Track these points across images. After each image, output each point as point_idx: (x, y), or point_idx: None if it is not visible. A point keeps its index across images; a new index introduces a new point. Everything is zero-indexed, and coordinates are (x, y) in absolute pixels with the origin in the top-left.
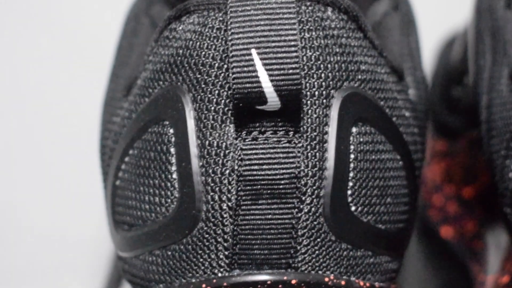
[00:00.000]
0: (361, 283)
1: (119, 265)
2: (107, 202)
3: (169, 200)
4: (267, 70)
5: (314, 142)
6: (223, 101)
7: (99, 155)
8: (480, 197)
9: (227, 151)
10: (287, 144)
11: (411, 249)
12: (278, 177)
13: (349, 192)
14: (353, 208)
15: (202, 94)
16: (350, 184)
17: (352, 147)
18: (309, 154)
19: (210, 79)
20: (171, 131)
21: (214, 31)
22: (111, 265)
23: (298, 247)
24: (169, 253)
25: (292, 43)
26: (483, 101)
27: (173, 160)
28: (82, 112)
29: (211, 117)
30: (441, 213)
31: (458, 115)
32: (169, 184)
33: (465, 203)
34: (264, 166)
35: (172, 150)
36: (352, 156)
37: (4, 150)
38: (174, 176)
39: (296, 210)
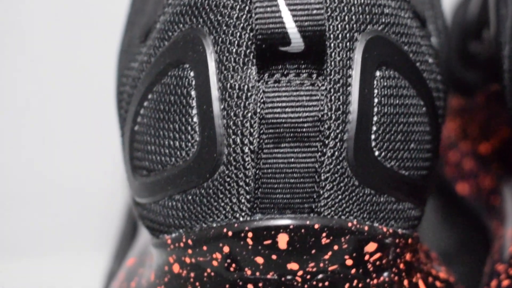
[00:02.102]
0: (384, 229)
1: (134, 216)
2: (124, 149)
3: (189, 144)
4: (290, 10)
5: (338, 85)
6: (244, 43)
7: (115, 102)
8: (496, 152)
9: (249, 94)
10: (310, 87)
11: (427, 205)
12: (301, 120)
13: (372, 136)
14: (376, 153)
15: (223, 36)
16: (374, 128)
17: (375, 91)
18: (333, 97)
19: (231, 21)
20: (192, 74)
21: None
22: (125, 217)
23: (321, 192)
24: (190, 197)
25: None
26: (506, 51)
27: (194, 103)
28: (97, 63)
29: (232, 59)
30: (457, 169)
31: (475, 71)
32: (189, 128)
33: (481, 159)
34: (287, 109)
35: (193, 93)
36: (375, 100)
37: (17, 101)
38: (195, 119)
39: (319, 154)
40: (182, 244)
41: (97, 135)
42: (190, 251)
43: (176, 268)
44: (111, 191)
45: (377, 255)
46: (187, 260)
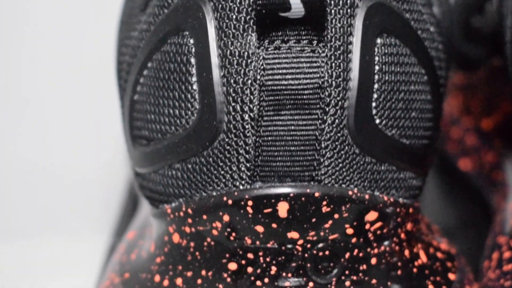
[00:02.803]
0: (385, 198)
1: (135, 192)
2: (124, 118)
3: (189, 112)
4: None
5: (338, 52)
6: (244, 9)
7: (115, 72)
8: (499, 128)
9: (249, 61)
10: (310, 54)
11: (429, 182)
12: (301, 87)
13: (373, 104)
14: (377, 121)
15: (223, 2)
16: (375, 96)
17: (376, 58)
18: (333, 64)
19: None
20: (192, 41)
21: None
22: (126, 194)
23: (322, 160)
24: (189, 166)
25: None
26: (508, 21)
27: (194, 70)
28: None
29: (232, 25)
30: (459, 145)
31: (478, 45)
32: (189, 96)
33: (484, 134)
34: (287, 76)
35: (193, 60)
36: (376, 67)
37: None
38: (195, 87)
39: (319, 121)
40: (182, 214)
41: (96, 116)
42: (190, 220)
43: (176, 238)
44: (111, 172)
45: (378, 224)
46: (187, 229)
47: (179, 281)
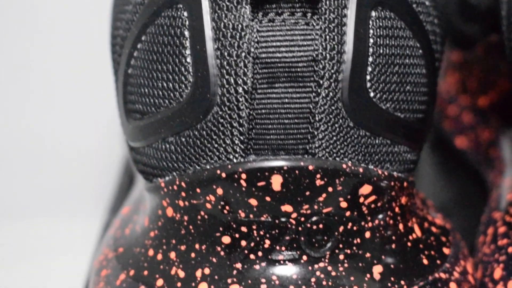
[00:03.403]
0: (379, 171)
1: (130, 170)
2: (118, 93)
3: (183, 85)
4: None
5: (333, 24)
6: None
7: (110, 47)
8: (496, 105)
9: (243, 33)
10: (304, 26)
11: (425, 159)
12: (295, 59)
13: (368, 77)
14: (371, 94)
15: None
16: (369, 69)
17: (371, 31)
18: (328, 36)
19: None
20: (185, 14)
21: None
22: (122, 171)
23: (315, 133)
24: (183, 139)
25: None
26: None
27: (187, 43)
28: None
29: None
30: (456, 123)
31: (475, 23)
32: (183, 69)
33: (480, 112)
34: (281, 48)
35: (186, 33)
36: (371, 40)
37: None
38: (189, 60)
39: (313, 94)
40: (175, 187)
41: (91, 94)
42: (183, 194)
43: (169, 211)
44: (107, 150)
45: (372, 197)
46: (181, 203)
47: (172, 255)
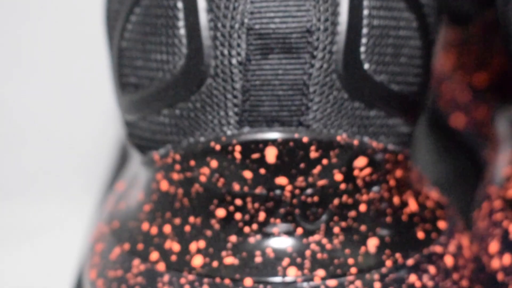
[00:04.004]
0: (374, 144)
1: (126, 148)
2: (112, 67)
3: (176, 57)
4: None
5: None
6: None
7: (104, 20)
8: (491, 83)
9: (236, 4)
10: None
11: (421, 138)
12: (289, 30)
13: (362, 49)
14: (366, 66)
15: None
16: (363, 41)
17: (365, 2)
18: (321, 7)
19: None
20: None
21: None
22: (117, 150)
23: (310, 104)
24: (177, 111)
25: None
26: None
27: (181, 15)
28: None
29: None
30: (451, 102)
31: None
32: (176, 41)
33: (476, 90)
34: (275, 19)
35: (180, 4)
36: (365, 12)
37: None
38: (182, 31)
39: (307, 65)
40: (169, 160)
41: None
42: (177, 166)
43: (164, 185)
44: (101, 133)
45: (367, 170)
46: (175, 176)
47: (167, 228)
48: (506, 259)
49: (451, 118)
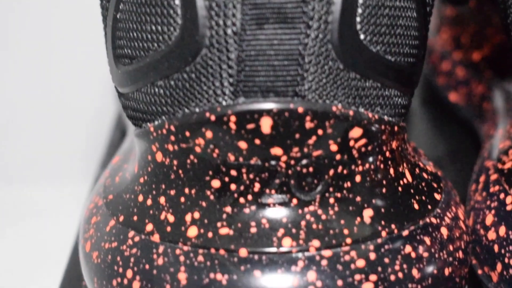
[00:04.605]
0: (370, 115)
1: (123, 125)
2: (107, 39)
3: (171, 28)
4: None
5: None
6: None
7: None
8: (489, 59)
9: None
10: None
11: (419, 115)
12: (284, 0)
13: (357, 19)
14: (362, 37)
15: None
16: (359, 11)
17: None
18: None
19: None
20: None
21: None
22: (114, 127)
23: (305, 75)
24: (172, 82)
25: None
26: None
27: None
28: None
29: None
30: (449, 78)
31: None
32: (171, 11)
33: (474, 66)
34: None
35: None
36: None
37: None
38: (177, 2)
39: (303, 35)
40: (164, 131)
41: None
42: (172, 137)
43: (159, 156)
44: (98, 118)
45: (362, 141)
46: (170, 147)
47: (162, 200)
48: (502, 231)
49: (450, 94)
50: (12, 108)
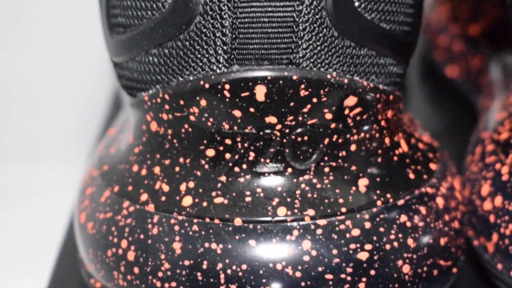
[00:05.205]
0: (365, 83)
1: (119, 99)
2: (101, 8)
3: None
4: None
5: None
6: None
7: None
8: (486, 33)
9: None
10: None
11: (416, 90)
12: None
13: None
14: (356, 4)
15: None
16: None
17: None
18: None
19: None
20: None
21: None
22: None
23: (300, 42)
24: (166, 51)
25: None
26: None
27: None
28: None
29: None
30: (446, 52)
31: None
32: None
33: (471, 40)
34: None
35: None
36: None
37: None
38: None
39: (297, 2)
40: (159, 100)
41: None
42: (167, 106)
43: (153, 126)
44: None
45: (358, 109)
46: (164, 116)
47: (157, 169)
48: (498, 201)
49: (447, 68)
50: (5, 86)
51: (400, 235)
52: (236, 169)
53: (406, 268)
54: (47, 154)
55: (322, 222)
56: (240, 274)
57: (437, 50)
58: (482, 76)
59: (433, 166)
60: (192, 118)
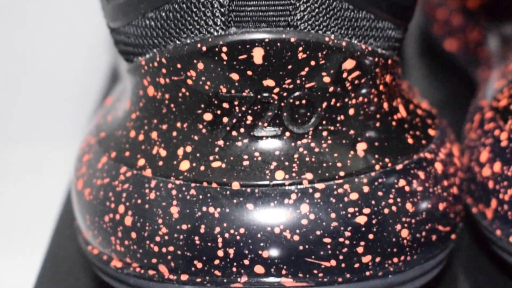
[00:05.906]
0: (363, 46)
1: (118, 74)
2: None
3: None
4: None
5: None
6: None
7: None
8: (485, 5)
9: None
10: None
11: (415, 64)
12: None
13: None
14: None
15: None
16: None
17: None
18: None
19: None
20: None
21: None
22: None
23: (298, 4)
24: (163, 14)
25: None
26: None
27: None
28: None
29: None
30: (445, 26)
31: None
32: None
33: (469, 13)
34: None
35: None
36: None
37: None
38: None
39: None
40: (156, 64)
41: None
42: (164, 70)
43: (150, 90)
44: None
45: (356, 73)
46: (162, 80)
47: (154, 134)
48: (497, 166)
49: (445, 42)
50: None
51: (398, 200)
52: (234, 133)
53: (404, 233)
54: (44, 133)
55: (320, 186)
56: (238, 238)
57: (436, 24)
58: (481, 48)
59: (431, 132)
60: (189, 82)
